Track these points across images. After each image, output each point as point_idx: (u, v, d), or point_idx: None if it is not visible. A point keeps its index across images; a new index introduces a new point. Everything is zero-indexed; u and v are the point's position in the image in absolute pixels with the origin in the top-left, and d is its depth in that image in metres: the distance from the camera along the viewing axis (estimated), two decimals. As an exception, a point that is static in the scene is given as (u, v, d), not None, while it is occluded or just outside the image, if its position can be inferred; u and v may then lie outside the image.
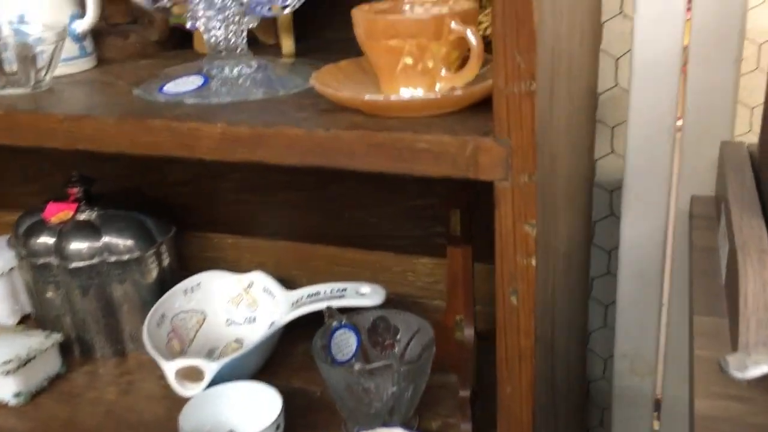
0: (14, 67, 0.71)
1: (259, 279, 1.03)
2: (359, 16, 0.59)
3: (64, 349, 1.01)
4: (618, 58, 0.92)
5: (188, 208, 1.11)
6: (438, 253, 1.01)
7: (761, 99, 0.87)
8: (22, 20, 0.78)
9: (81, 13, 0.82)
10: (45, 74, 0.73)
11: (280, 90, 0.67)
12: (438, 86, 0.58)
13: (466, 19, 0.57)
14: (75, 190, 1.03)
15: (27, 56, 0.70)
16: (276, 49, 0.86)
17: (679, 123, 0.88)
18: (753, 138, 0.89)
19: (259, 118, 0.60)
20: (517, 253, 0.54)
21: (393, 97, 0.57)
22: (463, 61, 0.58)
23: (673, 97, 0.85)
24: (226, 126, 0.59)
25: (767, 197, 0.64)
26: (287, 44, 0.82)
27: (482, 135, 0.53)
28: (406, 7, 0.62)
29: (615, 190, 0.98)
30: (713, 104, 0.83)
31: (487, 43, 0.55)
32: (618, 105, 0.94)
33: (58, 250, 0.98)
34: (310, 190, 1.04)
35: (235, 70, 0.72)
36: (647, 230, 0.92)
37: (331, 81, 0.62)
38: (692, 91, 0.84)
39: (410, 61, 0.57)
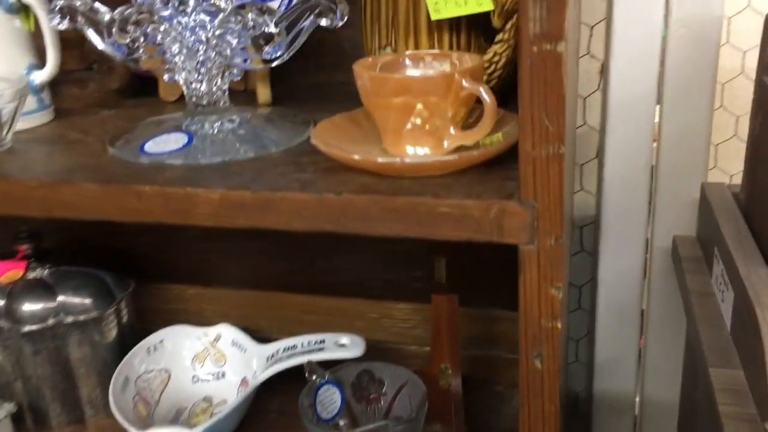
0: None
1: (227, 332, 0.99)
2: (364, 73, 0.56)
3: (16, 418, 0.93)
4: (586, 98, 0.93)
5: (144, 259, 1.06)
6: (414, 298, 0.98)
7: (725, 136, 0.90)
8: (-26, 74, 0.72)
9: (37, 63, 0.76)
10: (6, 133, 0.67)
11: (272, 147, 0.64)
12: (446, 144, 0.57)
13: (475, 75, 0.55)
14: (24, 247, 0.96)
15: (-10, 116, 0.65)
16: (247, 96, 0.82)
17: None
18: (719, 174, 0.91)
19: (260, 182, 0.57)
20: (543, 317, 0.53)
21: (408, 160, 0.54)
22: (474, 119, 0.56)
23: (648, 137, 0.86)
24: (225, 191, 0.56)
25: (759, 241, 0.65)
26: (263, 93, 0.79)
27: (506, 198, 0.51)
28: (407, 61, 0.60)
29: (585, 226, 0.98)
30: (687, 144, 0.85)
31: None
32: (587, 143, 0.95)
33: (9, 312, 0.91)
34: (276, 235, 1.00)
35: (216, 126, 0.68)
36: (624, 267, 0.92)
37: (330, 139, 0.60)
38: (666, 130, 0.85)
39: (419, 120, 0.55)
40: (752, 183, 0.69)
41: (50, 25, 0.74)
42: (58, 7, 0.66)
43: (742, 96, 0.89)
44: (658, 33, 0.82)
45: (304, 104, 0.81)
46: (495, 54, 0.69)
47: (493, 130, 0.55)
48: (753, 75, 0.89)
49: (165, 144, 0.64)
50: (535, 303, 0.52)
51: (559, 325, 0.52)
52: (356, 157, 0.55)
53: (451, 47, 0.70)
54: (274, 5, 0.76)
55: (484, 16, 0.68)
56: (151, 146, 0.64)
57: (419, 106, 0.55)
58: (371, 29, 0.73)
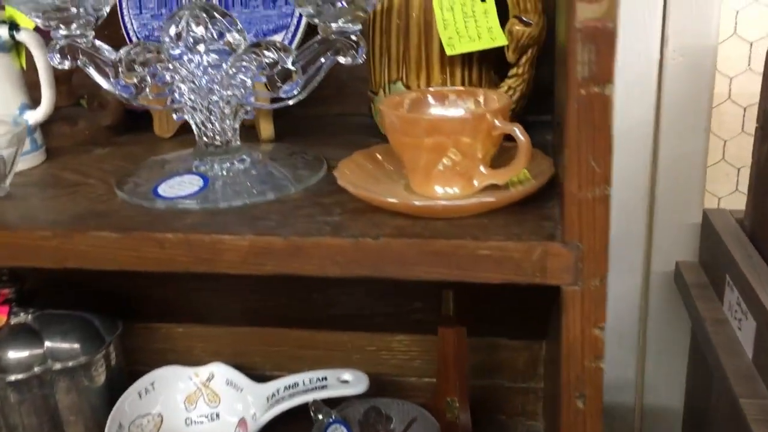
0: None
1: (220, 371, 0.96)
2: (393, 112, 0.55)
3: (1, 473, 0.89)
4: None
5: (129, 297, 1.02)
6: (413, 330, 0.97)
7: (714, 160, 0.92)
8: (-35, 115, 0.68)
9: (29, 102, 0.73)
10: (6, 180, 0.64)
11: (290, 188, 0.62)
12: (476, 182, 0.56)
13: (505, 114, 0.55)
14: (6, 291, 0.91)
15: (-10, 161, 0.61)
16: (246, 131, 0.80)
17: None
18: (708, 197, 0.93)
19: (288, 226, 0.55)
20: (585, 357, 0.52)
21: (447, 203, 0.53)
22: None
23: (646, 162, 0.87)
24: (254, 237, 0.54)
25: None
26: (266, 128, 0.77)
27: (547, 239, 0.51)
28: (431, 99, 0.60)
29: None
30: (685, 169, 0.86)
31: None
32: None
33: (-7, 361, 0.86)
34: (271, 271, 0.98)
35: (226, 166, 0.66)
36: (623, 291, 0.93)
37: (355, 179, 0.58)
38: (664, 155, 0.87)
39: (449, 161, 0.55)
40: (759, 211, 0.70)
41: (46, 64, 0.71)
42: (58, 46, 0.64)
43: (729, 121, 0.91)
44: (655, 61, 0.83)
45: (305, 138, 0.79)
46: (509, 88, 0.68)
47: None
48: (740, 100, 0.91)
49: (180, 187, 0.62)
50: (578, 343, 0.52)
51: (603, 366, 0.52)
52: (392, 200, 0.54)
53: (463, 81, 0.69)
54: (278, 39, 0.75)
55: (495, 50, 0.68)
56: (165, 190, 0.62)
57: (451, 146, 0.54)
58: (380, 63, 0.72)
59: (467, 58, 0.69)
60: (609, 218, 0.49)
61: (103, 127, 0.82)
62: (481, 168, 0.55)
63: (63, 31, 0.63)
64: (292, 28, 0.75)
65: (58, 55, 0.64)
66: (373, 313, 0.98)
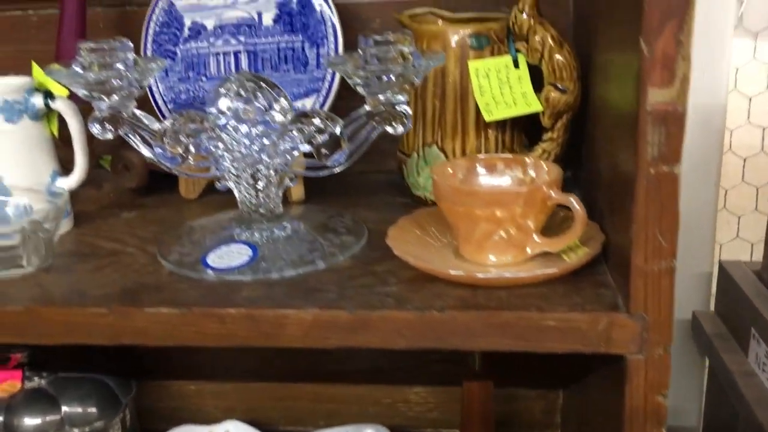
0: (13, 244, 0.61)
1: (235, 428, 0.95)
2: (446, 183, 0.57)
3: None
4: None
5: (140, 355, 1.00)
6: (431, 381, 0.98)
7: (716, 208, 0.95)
8: (-1, 183, 0.67)
9: (59, 169, 0.72)
10: (50, 252, 0.63)
11: (339, 256, 0.63)
12: (529, 250, 0.57)
13: (559, 184, 0.57)
14: (18, 356, 0.89)
15: (36, 234, 0.60)
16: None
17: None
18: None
19: (349, 298, 0.55)
20: (648, 423, 0.53)
21: (510, 275, 0.55)
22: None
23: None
24: (318, 311, 0.54)
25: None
26: (297, 190, 0.78)
27: (609, 308, 0.52)
28: (481, 168, 0.61)
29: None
30: (697, 219, 0.89)
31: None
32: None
33: (9, 428, 0.84)
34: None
35: (268, 234, 0.66)
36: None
37: (408, 248, 0.59)
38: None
39: (504, 231, 0.56)
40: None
41: (81, 131, 0.71)
42: (102, 116, 0.63)
43: (730, 171, 0.95)
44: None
45: (333, 198, 0.80)
46: (543, 151, 0.70)
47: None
48: (740, 152, 0.95)
49: (228, 257, 0.62)
50: (640, 410, 0.53)
51: (664, 430, 0.53)
52: (455, 272, 0.55)
53: (497, 144, 0.71)
54: (308, 102, 0.76)
55: (527, 114, 0.70)
56: (214, 260, 0.62)
57: (506, 217, 0.55)
58: (415, 126, 0.73)
59: (501, 122, 0.71)
60: (673, 289, 0.50)
61: (127, 189, 0.81)
62: (535, 236, 0.57)
63: (105, 103, 0.63)
64: (324, 92, 0.76)
65: (100, 125, 0.64)
66: (389, 365, 0.98)
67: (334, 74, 0.76)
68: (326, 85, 0.76)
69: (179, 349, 1.00)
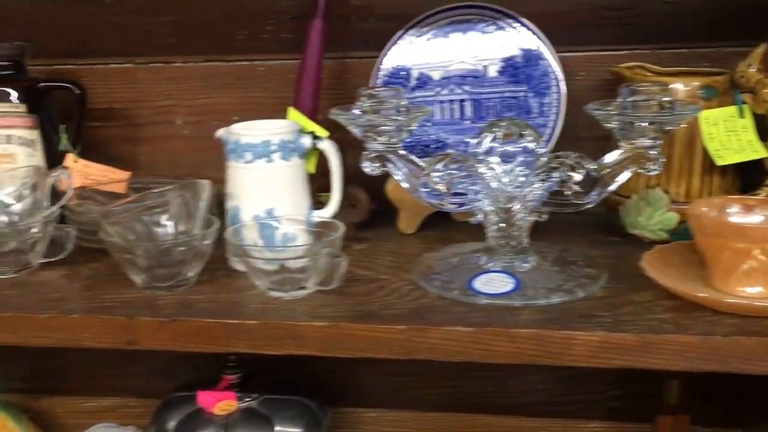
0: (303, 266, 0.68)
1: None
2: (706, 216, 0.62)
3: None
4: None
5: (325, 382, 1.05)
6: (609, 416, 1.01)
7: None
8: (270, 214, 0.75)
9: (313, 204, 0.79)
10: (336, 275, 0.69)
11: (593, 286, 0.68)
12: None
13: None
14: (230, 377, 0.96)
15: (321, 259, 0.68)
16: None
17: None
18: None
19: (629, 323, 0.61)
20: None
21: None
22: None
23: None
24: (605, 334, 0.59)
25: None
26: (516, 227, 0.83)
27: None
28: (734, 207, 0.66)
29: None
30: None
31: None
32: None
33: (228, 446, 0.90)
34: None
35: (515, 264, 0.71)
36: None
37: (667, 279, 0.64)
38: None
39: (755, 263, 0.61)
40: None
41: (340, 169, 0.78)
42: (375, 154, 0.71)
43: None
44: None
45: (541, 234, 0.85)
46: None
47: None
48: None
49: (493, 284, 0.68)
50: None
51: None
52: (731, 301, 0.60)
53: (720, 187, 0.77)
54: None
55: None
56: (481, 286, 0.68)
57: (757, 251, 0.60)
58: (638, 170, 0.79)
59: (722, 167, 0.76)
60: None
61: (350, 224, 0.88)
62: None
63: (378, 144, 0.70)
64: (546, 138, 0.82)
65: (372, 162, 0.71)
66: (566, 399, 1.02)
67: (556, 122, 0.82)
68: (548, 131, 0.83)
69: (361, 377, 1.05)
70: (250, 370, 0.99)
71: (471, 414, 1.05)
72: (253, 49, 0.96)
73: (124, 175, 0.90)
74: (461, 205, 0.71)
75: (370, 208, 0.89)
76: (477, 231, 0.76)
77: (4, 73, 0.88)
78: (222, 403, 0.93)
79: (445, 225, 0.89)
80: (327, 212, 0.79)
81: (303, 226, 0.75)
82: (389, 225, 0.89)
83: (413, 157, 0.71)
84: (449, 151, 0.81)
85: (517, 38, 0.84)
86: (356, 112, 0.70)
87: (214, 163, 0.98)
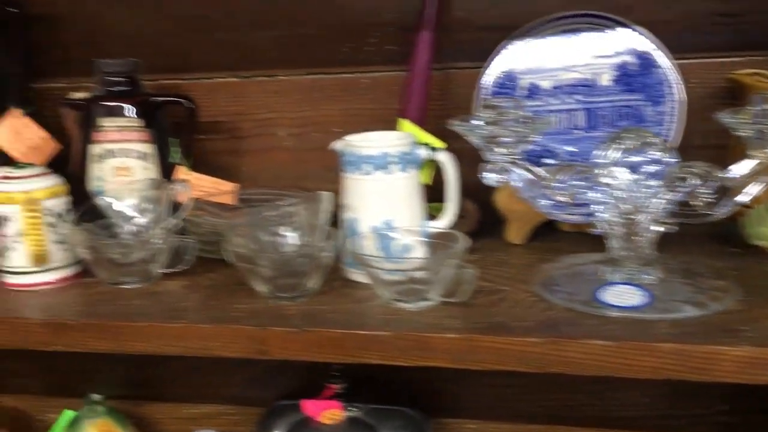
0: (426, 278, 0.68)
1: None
2: None
3: None
4: None
5: (422, 392, 1.05)
6: (717, 432, 0.99)
7: None
8: (388, 225, 0.75)
9: (428, 215, 0.80)
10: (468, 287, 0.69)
11: (726, 299, 0.67)
12: None
13: None
14: (335, 386, 0.96)
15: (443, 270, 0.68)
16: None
17: None
18: None
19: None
20: None
21: None
22: None
23: None
24: (753, 349, 0.58)
25: None
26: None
27: None
28: None
29: None
30: None
31: None
32: None
33: (335, 455, 0.91)
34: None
35: (640, 276, 0.70)
36: None
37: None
38: None
39: None
40: None
41: (455, 179, 0.78)
42: (499, 166, 0.70)
43: None
44: None
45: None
46: None
47: None
48: None
49: (622, 297, 0.67)
50: None
51: None
52: None
53: None
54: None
55: None
56: (611, 299, 0.67)
57: None
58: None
59: None
60: None
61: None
62: None
63: (498, 155, 0.70)
64: (662, 146, 0.81)
65: (493, 173, 0.71)
66: (670, 414, 0.99)
67: (673, 131, 0.81)
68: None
69: (462, 388, 1.05)
70: (349, 379, 0.99)
71: (571, 427, 1.03)
72: (356, 61, 0.97)
73: (233, 186, 0.91)
74: (588, 215, 0.71)
75: (478, 219, 0.88)
76: (586, 241, 0.75)
77: (120, 89, 0.91)
78: (327, 412, 0.94)
79: (552, 235, 0.88)
80: (443, 223, 0.79)
81: (419, 237, 0.75)
82: (495, 236, 0.89)
83: (535, 168, 0.71)
84: (568, 160, 0.81)
85: (630, 46, 0.83)
86: (477, 122, 0.70)
87: (315, 174, 1.00)
